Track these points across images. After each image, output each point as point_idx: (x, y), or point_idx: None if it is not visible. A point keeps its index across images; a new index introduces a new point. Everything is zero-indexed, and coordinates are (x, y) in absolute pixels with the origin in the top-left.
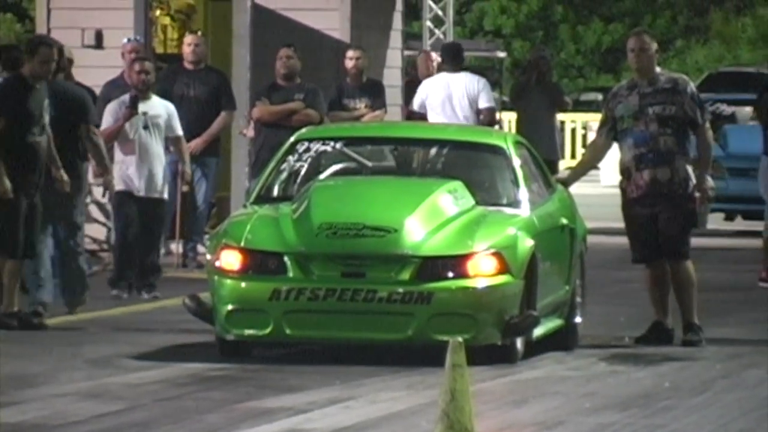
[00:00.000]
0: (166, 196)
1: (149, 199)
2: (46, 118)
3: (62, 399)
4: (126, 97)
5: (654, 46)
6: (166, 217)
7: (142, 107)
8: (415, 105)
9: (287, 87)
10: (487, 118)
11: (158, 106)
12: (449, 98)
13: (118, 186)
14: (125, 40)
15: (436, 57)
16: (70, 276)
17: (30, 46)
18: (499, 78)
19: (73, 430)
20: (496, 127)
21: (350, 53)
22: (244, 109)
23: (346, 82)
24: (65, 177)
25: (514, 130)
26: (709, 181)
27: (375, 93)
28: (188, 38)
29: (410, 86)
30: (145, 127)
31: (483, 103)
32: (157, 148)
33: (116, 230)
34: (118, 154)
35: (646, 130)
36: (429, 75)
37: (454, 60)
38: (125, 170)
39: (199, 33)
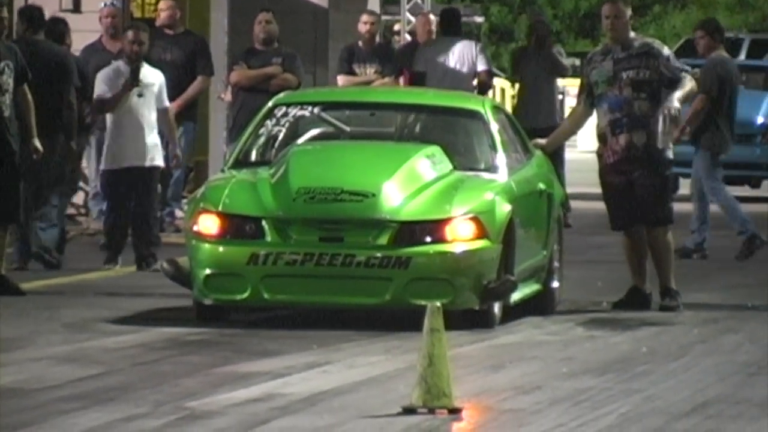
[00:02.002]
0: (160, 163)
1: (144, 168)
2: (5, 80)
3: (39, 363)
4: (120, 64)
5: (628, 12)
6: (157, 185)
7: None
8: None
9: (265, 51)
10: (483, 80)
11: (151, 75)
12: (447, 64)
13: (107, 164)
14: (102, 5)
15: (433, 19)
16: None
17: None
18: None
19: (50, 394)
20: (490, 92)
21: (364, 17)
22: (221, 74)
23: (357, 46)
24: (39, 146)
25: (503, 98)
26: (675, 101)
27: (386, 58)
28: (161, 3)
29: (408, 49)
30: (140, 96)
31: (480, 66)
32: (150, 116)
33: (107, 210)
34: (111, 124)
35: (621, 95)
36: (428, 37)
37: (451, 25)
38: (118, 141)
39: None
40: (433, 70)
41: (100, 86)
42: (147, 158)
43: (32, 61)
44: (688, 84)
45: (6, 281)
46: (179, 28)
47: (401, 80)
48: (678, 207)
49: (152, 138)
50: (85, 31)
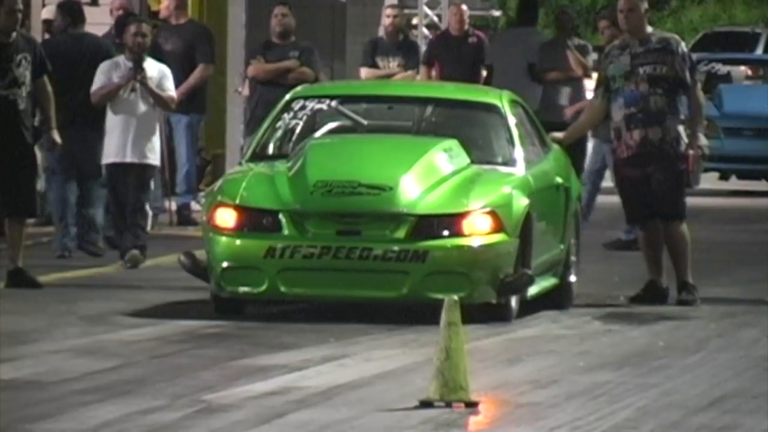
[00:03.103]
0: (155, 162)
1: (138, 165)
2: (22, 72)
3: (57, 356)
4: (120, 58)
5: (644, 5)
6: (151, 182)
7: None
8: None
9: (282, 45)
10: (532, 72)
11: (151, 69)
12: (509, 56)
13: (108, 158)
14: None
15: (465, 9)
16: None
17: None
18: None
19: (67, 386)
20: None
21: (388, 11)
22: (239, 68)
23: (381, 39)
24: (58, 139)
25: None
26: (702, 139)
27: (410, 52)
28: None
29: (439, 40)
30: (133, 90)
31: (531, 59)
32: (148, 111)
33: (111, 204)
34: (109, 118)
35: (637, 90)
36: (461, 29)
37: (527, 13)
38: (115, 136)
39: None
40: (498, 63)
41: (99, 78)
42: (141, 155)
43: (80, 56)
44: (698, 100)
45: (24, 274)
46: (181, 19)
47: (433, 72)
48: (692, 201)
49: (146, 134)
50: (102, 24)
